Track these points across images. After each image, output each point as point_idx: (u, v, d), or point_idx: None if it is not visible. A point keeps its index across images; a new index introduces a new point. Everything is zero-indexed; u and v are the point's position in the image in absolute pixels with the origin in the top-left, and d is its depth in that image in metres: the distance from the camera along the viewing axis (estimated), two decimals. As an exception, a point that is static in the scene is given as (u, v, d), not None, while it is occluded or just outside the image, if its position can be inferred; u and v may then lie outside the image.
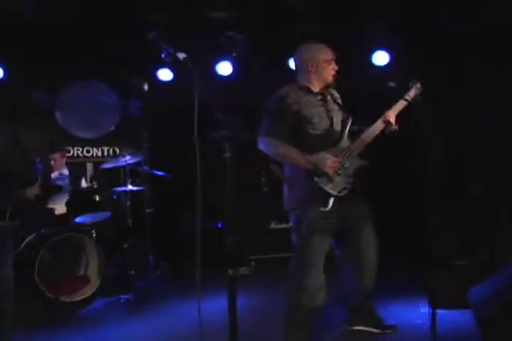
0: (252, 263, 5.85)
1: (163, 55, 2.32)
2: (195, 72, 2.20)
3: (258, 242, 6.00)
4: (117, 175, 5.88)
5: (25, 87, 5.93)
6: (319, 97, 3.32)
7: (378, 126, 3.33)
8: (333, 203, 3.13)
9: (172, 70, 6.27)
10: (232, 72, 6.08)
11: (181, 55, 2.27)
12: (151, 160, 5.50)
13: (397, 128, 3.36)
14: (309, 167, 3.13)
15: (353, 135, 3.35)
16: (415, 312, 3.71)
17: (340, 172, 3.17)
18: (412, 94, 3.38)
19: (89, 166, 6.33)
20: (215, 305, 4.45)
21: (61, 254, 4.70)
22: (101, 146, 6.45)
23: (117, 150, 6.48)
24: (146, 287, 4.95)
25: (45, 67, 5.79)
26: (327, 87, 3.36)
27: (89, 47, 5.72)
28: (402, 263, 4.92)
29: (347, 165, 3.21)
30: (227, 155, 2.32)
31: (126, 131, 6.38)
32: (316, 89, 3.33)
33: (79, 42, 5.62)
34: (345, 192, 3.17)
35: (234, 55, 6.04)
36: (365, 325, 3.47)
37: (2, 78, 5.57)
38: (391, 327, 3.47)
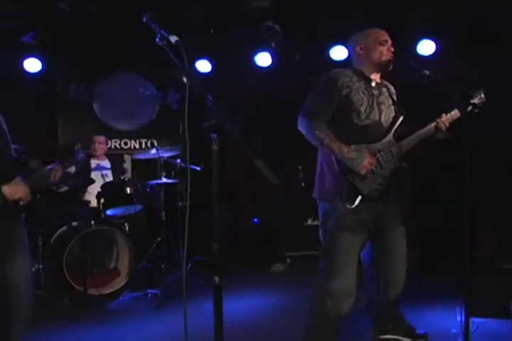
0: (288, 260, 5.71)
1: (157, 39, 2.17)
2: (185, 58, 2.03)
3: (294, 239, 5.83)
4: (154, 168, 5.84)
5: (63, 80, 5.97)
6: (374, 85, 3.07)
7: (429, 130, 3.06)
8: (361, 202, 2.91)
9: (210, 61, 6.17)
10: (272, 63, 5.91)
11: (173, 38, 2.13)
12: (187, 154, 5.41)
13: (447, 136, 3.09)
14: (344, 160, 2.91)
15: (401, 135, 3.08)
16: (450, 321, 3.42)
17: (376, 170, 2.96)
18: (476, 102, 3.08)
19: (127, 158, 6.33)
20: (241, 303, 4.38)
21: (91, 247, 4.66)
22: (139, 138, 6.43)
23: (155, 143, 6.44)
24: (175, 282, 4.88)
25: (82, 60, 5.82)
26: (382, 69, 3.10)
27: (127, 39, 5.70)
28: (437, 266, 4.66)
29: (385, 165, 2.98)
30: (215, 147, 2.14)
31: (164, 123, 6.35)
32: (370, 74, 3.08)
33: (116, 34, 5.61)
34: (376, 192, 2.96)
35: (273, 45, 5.88)
36: (394, 334, 3.22)
37: (40, 71, 5.59)
38: (422, 336, 3.22)
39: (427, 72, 2.97)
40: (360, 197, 2.91)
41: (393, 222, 3.13)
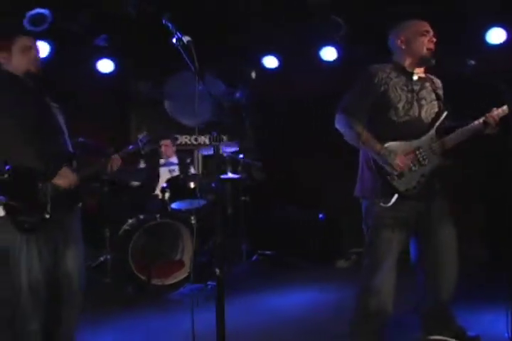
0: (353, 257, 5.64)
1: (173, 40, 2.25)
2: (194, 57, 2.10)
3: (360, 235, 5.73)
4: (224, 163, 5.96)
5: (134, 80, 6.25)
6: (415, 79, 2.98)
7: (476, 126, 2.92)
8: (399, 199, 2.86)
9: (277, 57, 6.21)
10: (337, 57, 5.84)
11: (186, 39, 2.20)
12: (253, 148, 5.55)
13: (496, 131, 2.92)
14: (377, 158, 2.87)
15: (447, 130, 2.98)
16: (503, 323, 3.25)
17: (414, 168, 2.88)
18: None
19: (198, 154, 6.53)
20: (297, 298, 4.40)
21: (156, 239, 4.89)
22: (208, 134, 6.58)
23: (224, 138, 6.58)
24: (236, 275, 5.00)
25: (152, 60, 6.05)
26: (425, 62, 2.99)
27: (194, 37, 5.85)
28: (491, 264, 4.42)
29: (424, 162, 2.90)
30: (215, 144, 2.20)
31: (234, 118, 6.46)
32: (412, 68, 3.00)
33: (183, 32, 5.77)
34: (414, 190, 2.89)
35: (337, 39, 5.81)
36: (444, 335, 3.11)
37: (113, 72, 5.88)
38: (473, 338, 3.09)
39: (472, 62, 2.83)
40: (396, 196, 2.86)
41: (438, 220, 3.04)
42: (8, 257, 2.69)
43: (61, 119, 2.97)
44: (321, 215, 5.84)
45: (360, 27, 5.39)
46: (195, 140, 6.57)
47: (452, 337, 3.10)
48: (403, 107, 2.91)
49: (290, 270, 5.26)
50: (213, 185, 5.67)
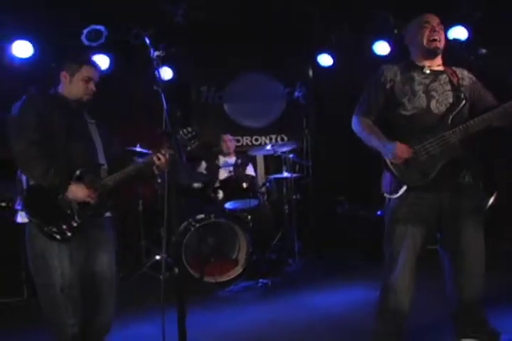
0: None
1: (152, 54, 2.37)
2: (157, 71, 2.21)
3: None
4: (279, 163, 6.07)
5: (195, 84, 6.51)
6: (427, 72, 2.94)
7: (491, 116, 2.82)
8: (414, 192, 2.84)
9: (332, 55, 6.22)
10: (390, 51, 5.75)
11: (155, 53, 2.33)
12: (309, 147, 5.63)
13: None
14: (382, 152, 2.89)
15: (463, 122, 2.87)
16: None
17: (422, 158, 2.83)
18: None
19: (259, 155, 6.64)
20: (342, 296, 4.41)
21: (211, 238, 5.08)
22: (268, 134, 6.72)
23: (285, 138, 6.68)
24: (287, 273, 5.09)
25: (212, 65, 6.29)
26: (431, 53, 2.94)
27: (252, 41, 6.01)
28: None
29: (435, 152, 2.83)
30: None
31: (292, 118, 6.55)
32: (422, 62, 2.96)
33: (241, 38, 5.95)
34: (423, 181, 2.83)
35: (395, 32, 5.71)
36: (476, 338, 3.00)
37: (172, 78, 6.17)
38: (507, 341, 2.96)
39: (483, 51, 2.73)
40: (404, 188, 2.84)
41: (463, 214, 2.92)
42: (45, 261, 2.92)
43: (96, 134, 3.16)
44: (379, 212, 5.77)
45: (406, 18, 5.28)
46: (256, 140, 6.70)
47: (485, 340, 2.97)
48: (409, 101, 2.90)
49: (341, 267, 5.25)
50: (268, 184, 5.83)
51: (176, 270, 2.39)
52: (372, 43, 5.81)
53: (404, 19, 5.40)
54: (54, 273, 2.90)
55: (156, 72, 2.23)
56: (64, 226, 2.88)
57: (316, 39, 6.11)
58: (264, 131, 6.72)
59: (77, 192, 2.90)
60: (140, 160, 3.16)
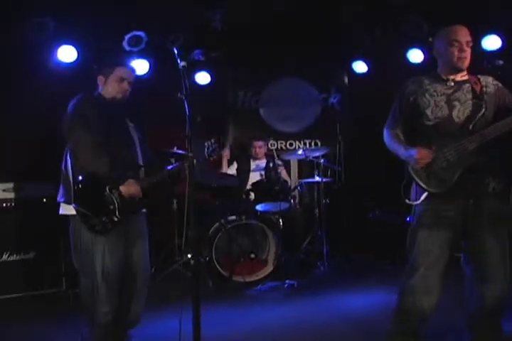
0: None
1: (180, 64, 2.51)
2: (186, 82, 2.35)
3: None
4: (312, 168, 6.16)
5: (233, 89, 6.68)
6: (451, 84, 3.03)
7: (508, 122, 2.87)
8: (439, 199, 2.91)
9: (366, 62, 6.29)
10: (424, 58, 5.79)
11: (181, 64, 2.47)
12: (342, 153, 5.73)
13: None
14: (406, 159, 3.00)
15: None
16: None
17: (443, 165, 2.91)
18: None
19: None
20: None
21: (241, 239, 5.22)
22: (303, 139, 6.82)
23: (319, 143, 6.77)
24: (314, 275, 5.19)
25: (249, 70, 6.47)
26: (458, 70, 3.03)
27: (289, 48, 6.15)
28: None
29: (454, 159, 2.90)
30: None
31: (327, 123, 6.64)
32: (446, 75, 3.05)
33: (275, 42, 6.09)
34: (444, 188, 2.90)
35: (430, 40, 5.75)
36: None
37: (209, 83, 6.37)
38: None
39: (501, 62, 2.79)
40: (425, 194, 2.93)
41: (487, 224, 2.95)
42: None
43: (136, 136, 3.41)
44: (408, 218, 5.79)
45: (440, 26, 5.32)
46: (291, 145, 6.82)
47: None
48: (432, 112, 2.98)
49: (368, 272, 5.32)
50: (299, 188, 5.94)
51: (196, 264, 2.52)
52: (407, 51, 5.85)
53: (438, 27, 5.48)
54: (96, 263, 3.13)
55: (183, 82, 2.38)
56: (105, 220, 3.11)
57: (351, 46, 6.20)
58: (298, 136, 6.82)
59: (131, 187, 3.16)
60: (170, 167, 3.40)
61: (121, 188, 3.16)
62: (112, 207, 3.14)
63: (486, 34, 5.32)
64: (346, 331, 3.73)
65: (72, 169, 3.14)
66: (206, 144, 3.51)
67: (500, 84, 3.10)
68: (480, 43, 5.37)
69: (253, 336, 3.73)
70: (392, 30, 5.68)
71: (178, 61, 2.43)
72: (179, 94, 2.43)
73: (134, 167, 3.35)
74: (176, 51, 2.45)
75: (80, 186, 3.12)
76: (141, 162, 3.41)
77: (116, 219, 3.14)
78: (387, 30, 5.70)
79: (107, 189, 3.15)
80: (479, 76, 3.11)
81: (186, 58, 5.89)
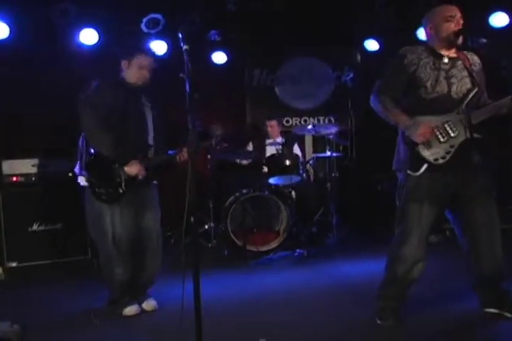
0: (447, 233, 5.70)
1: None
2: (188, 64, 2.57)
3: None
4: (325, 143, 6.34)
5: (249, 68, 6.90)
6: (445, 60, 3.16)
7: (504, 102, 3.05)
8: (431, 172, 3.06)
9: (378, 41, 6.42)
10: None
11: (184, 47, 2.65)
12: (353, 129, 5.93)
13: None
14: (405, 130, 3.10)
15: (477, 107, 3.13)
16: None
17: (443, 139, 3.06)
18: None
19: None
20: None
21: (255, 210, 5.49)
22: (317, 116, 7.03)
23: (332, 120, 6.96)
24: (324, 245, 5.48)
25: (265, 49, 6.69)
26: (453, 44, 3.16)
27: (303, 27, 6.32)
28: None
29: (454, 134, 3.06)
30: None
31: (340, 100, 6.81)
32: (441, 50, 3.18)
33: (292, 23, 6.26)
34: (442, 160, 3.05)
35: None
36: (498, 308, 3.21)
37: (226, 63, 6.61)
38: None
39: (484, 40, 2.93)
40: (425, 165, 3.05)
41: (475, 193, 3.14)
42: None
43: (150, 116, 3.67)
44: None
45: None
46: (305, 121, 7.02)
47: (507, 312, 3.17)
48: (431, 85, 3.09)
49: (376, 242, 5.51)
50: (311, 162, 6.18)
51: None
52: (417, 29, 5.95)
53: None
54: (107, 228, 3.48)
55: (185, 63, 2.60)
56: (111, 191, 3.44)
57: (363, 24, 6.32)
58: (312, 113, 7.03)
59: (133, 167, 3.45)
60: (171, 152, 3.66)
61: (125, 168, 3.46)
62: (118, 179, 3.46)
63: (493, 11, 5.39)
64: (345, 295, 3.94)
65: (86, 144, 3.46)
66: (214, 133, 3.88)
67: (481, 64, 3.25)
68: (487, 20, 5.45)
69: (258, 298, 3.96)
70: (402, 9, 5.78)
71: (182, 44, 2.62)
72: (181, 74, 2.65)
73: (143, 146, 3.62)
74: (180, 35, 2.65)
75: (92, 158, 3.45)
76: (151, 141, 3.66)
77: (121, 190, 3.46)
78: (398, 9, 5.81)
79: (115, 165, 3.46)
80: (465, 52, 3.23)
81: (203, 39, 6.14)
